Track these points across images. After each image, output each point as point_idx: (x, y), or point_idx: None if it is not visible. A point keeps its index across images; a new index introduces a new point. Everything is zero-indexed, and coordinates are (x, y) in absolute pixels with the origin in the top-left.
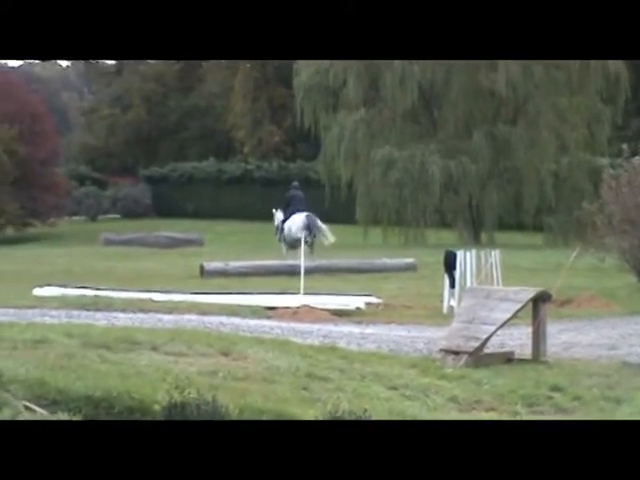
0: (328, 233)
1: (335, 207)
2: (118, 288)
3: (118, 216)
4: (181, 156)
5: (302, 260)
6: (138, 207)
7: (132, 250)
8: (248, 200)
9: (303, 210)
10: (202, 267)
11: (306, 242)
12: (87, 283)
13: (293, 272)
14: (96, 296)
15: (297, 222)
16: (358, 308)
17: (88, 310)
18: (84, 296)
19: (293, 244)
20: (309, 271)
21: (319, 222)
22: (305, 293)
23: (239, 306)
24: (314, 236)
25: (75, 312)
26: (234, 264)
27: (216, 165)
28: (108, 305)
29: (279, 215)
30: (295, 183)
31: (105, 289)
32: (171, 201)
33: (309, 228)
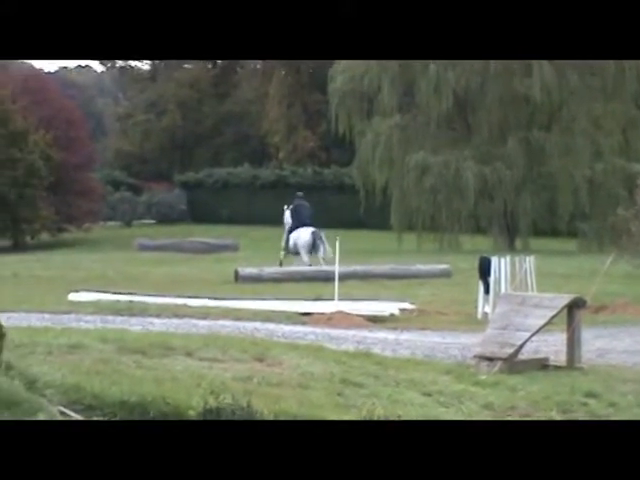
0: (327, 252)
1: (370, 213)
2: (153, 293)
3: (153, 221)
4: (216, 162)
5: (337, 266)
6: (173, 212)
7: (167, 255)
8: (283, 206)
9: (308, 222)
10: (237, 273)
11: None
12: (122, 288)
13: (327, 278)
14: (131, 301)
15: (302, 240)
16: (392, 314)
17: (123, 315)
18: (119, 301)
19: (296, 253)
20: (343, 277)
21: (323, 238)
22: (339, 299)
23: (273, 312)
24: (320, 251)
25: (110, 317)
26: (269, 270)
27: (251, 171)
28: (143, 310)
29: (287, 217)
30: (299, 193)
31: (140, 294)
32: (206, 207)
33: (314, 248)
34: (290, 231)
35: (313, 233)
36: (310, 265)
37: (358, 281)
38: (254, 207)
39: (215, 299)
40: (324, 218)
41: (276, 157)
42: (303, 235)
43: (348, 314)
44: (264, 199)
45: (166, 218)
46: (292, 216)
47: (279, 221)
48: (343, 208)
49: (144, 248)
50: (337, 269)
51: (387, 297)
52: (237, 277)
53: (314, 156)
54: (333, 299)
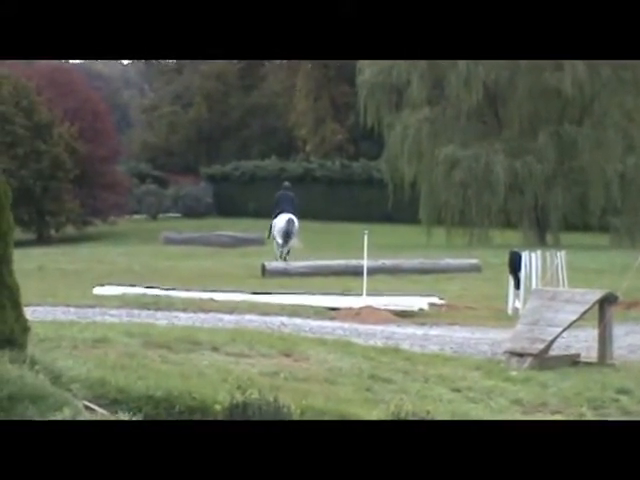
0: (296, 240)
1: (398, 207)
2: (179, 287)
3: (179, 215)
4: (243, 154)
5: (365, 260)
6: (199, 206)
7: (193, 249)
8: (310, 199)
9: (289, 210)
10: (263, 267)
11: (281, 255)
12: (148, 282)
13: (355, 272)
14: (157, 295)
15: (279, 225)
16: (421, 309)
17: (149, 309)
18: (145, 295)
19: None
20: (372, 271)
21: (296, 228)
22: (368, 294)
23: (301, 306)
24: (288, 243)
25: (135, 311)
26: (296, 264)
27: (278, 164)
28: (169, 305)
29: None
30: (286, 183)
31: (166, 288)
32: (233, 200)
33: (287, 235)
34: (274, 218)
35: (288, 221)
36: (282, 249)
37: (386, 276)
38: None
39: (242, 293)
40: (352, 212)
41: (303, 150)
42: (279, 221)
43: (376, 309)
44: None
45: (192, 211)
46: (276, 204)
47: (306, 215)
48: (371, 202)
49: (170, 242)
50: (365, 263)
51: (416, 292)
52: (264, 271)
53: (342, 149)
54: (361, 294)
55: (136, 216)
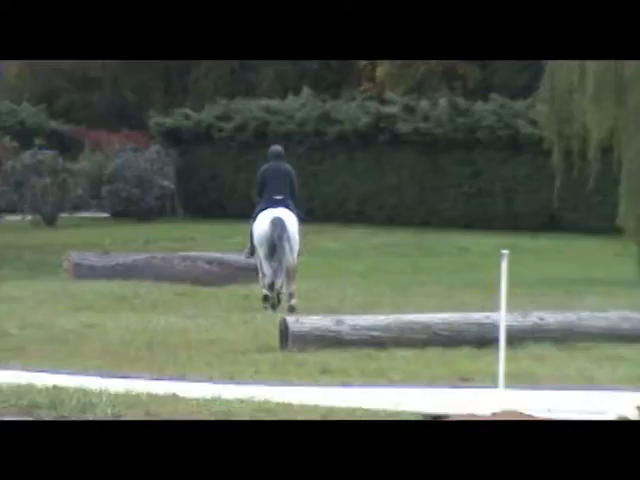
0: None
1: (572, 199)
2: (104, 371)
3: (105, 215)
4: (237, 87)
5: (502, 312)
6: (145, 195)
7: (133, 288)
8: (384, 182)
9: (280, 200)
10: (285, 326)
11: (268, 299)
12: (41, 360)
13: (482, 338)
14: (58, 388)
15: (257, 233)
16: (622, 418)
17: (41, 415)
18: (31, 386)
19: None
20: (517, 333)
21: (291, 235)
22: (508, 386)
23: (367, 411)
24: (278, 270)
25: (15, 419)
26: (352, 320)
27: (315, 105)
28: (83, 407)
29: None
30: (275, 147)
31: (76, 373)
32: (216, 183)
33: (273, 251)
34: (255, 217)
35: (272, 222)
36: (265, 282)
37: (549, 344)
38: (321, 183)
39: (239, 383)
40: (474, 209)
41: (371, 77)
42: (258, 225)
43: (527, 416)
44: (342, 165)
45: (131, 208)
46: (258, 189)
47: (375, 215)
48: (515, 189)
49: (85, 272)
50: (503, 318)
51: (611, 381)
52: (286, 337)
53: (450, 75)
54: (496, 385)
55: (13, 217)
